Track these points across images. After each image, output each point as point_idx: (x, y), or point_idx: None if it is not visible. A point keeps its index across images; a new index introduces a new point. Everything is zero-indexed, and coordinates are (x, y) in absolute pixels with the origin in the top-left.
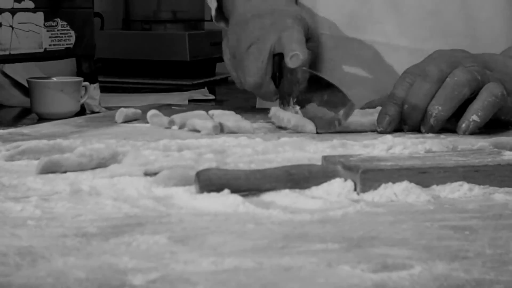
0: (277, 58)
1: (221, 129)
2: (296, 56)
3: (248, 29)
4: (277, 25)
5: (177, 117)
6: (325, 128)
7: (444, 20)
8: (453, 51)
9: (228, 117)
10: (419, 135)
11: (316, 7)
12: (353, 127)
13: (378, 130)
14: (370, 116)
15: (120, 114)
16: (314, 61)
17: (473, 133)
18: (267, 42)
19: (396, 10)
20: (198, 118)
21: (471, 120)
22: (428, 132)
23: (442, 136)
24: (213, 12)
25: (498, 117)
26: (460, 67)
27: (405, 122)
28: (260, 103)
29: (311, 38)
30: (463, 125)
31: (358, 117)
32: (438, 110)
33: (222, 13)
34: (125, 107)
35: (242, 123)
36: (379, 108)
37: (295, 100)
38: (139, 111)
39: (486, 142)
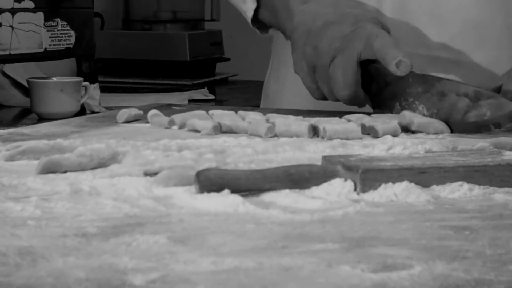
0: (362, 64)
1: (220, 128)
2: (404, 63)
3: (327, 39)
4: (358, 31)
5: (177, 117)
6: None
7: (487, 32)
8: None
9: (228, 117)
10: (419, 135)
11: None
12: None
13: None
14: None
15: (122, 114)
16: None
17: None
18: (353, 51)
19: (438, 22)
20: (198, 118)
21: None
22: None
23: (441, 136)
24: (250, 14)
25: None
26: None
27: None
28: (265, 104)
29: None
30: None
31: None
32: None
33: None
34: (126, 107)
35: (240, 123)
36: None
37: (404, 104)
38: (141, 112)
39: (486, 142)
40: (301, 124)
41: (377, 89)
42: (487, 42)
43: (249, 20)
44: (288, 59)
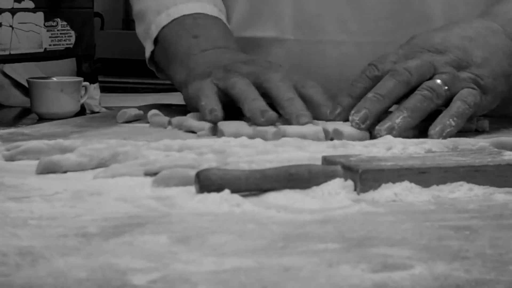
0: None
1: (216, 129)
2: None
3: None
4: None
5: (175, 119)
6: None
7: (413, 8)
8: (415, 45)
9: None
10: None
11: (277, 12)
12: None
13: (329, 117)
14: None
15: (122, 114)
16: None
17: (447, 137)
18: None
19: (358, 7)
20: (198, 118)
21: (447, 123)
22: (387, 133)
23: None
24: (147, 55)
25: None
26: (434, 79)
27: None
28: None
29: None
30: (437, 128)
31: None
32: (405, 115)
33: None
34: (126, 107)
35: (244, 129)
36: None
37: None
38: (141, 112)
39: (486, 142)
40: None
41: None
42: (414, 20)
43: (147, 60)
44: None
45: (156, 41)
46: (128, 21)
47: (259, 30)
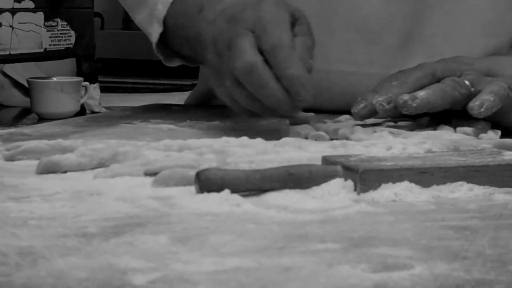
0: None
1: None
2: None
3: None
4: None
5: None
6: None
7: (424, 42)
8: (456, 58)
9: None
10: (419, 135)
11: None
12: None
13: (354, 117)
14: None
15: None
16: None
17: (488, 113)
18: None
19: (367, 38)
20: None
21: (485, 98)
22: (409, 112)
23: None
24: (155, 38)
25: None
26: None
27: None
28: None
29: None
30: (477, 102)
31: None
32: (429, 91)
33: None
34: (126, 107)
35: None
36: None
37: None
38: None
39: (487, 143)
40: None
41: None
42: (426, 51)
43: (154, 45)
44: None
45: (164, 23)
46: (128, 21)
47: None
